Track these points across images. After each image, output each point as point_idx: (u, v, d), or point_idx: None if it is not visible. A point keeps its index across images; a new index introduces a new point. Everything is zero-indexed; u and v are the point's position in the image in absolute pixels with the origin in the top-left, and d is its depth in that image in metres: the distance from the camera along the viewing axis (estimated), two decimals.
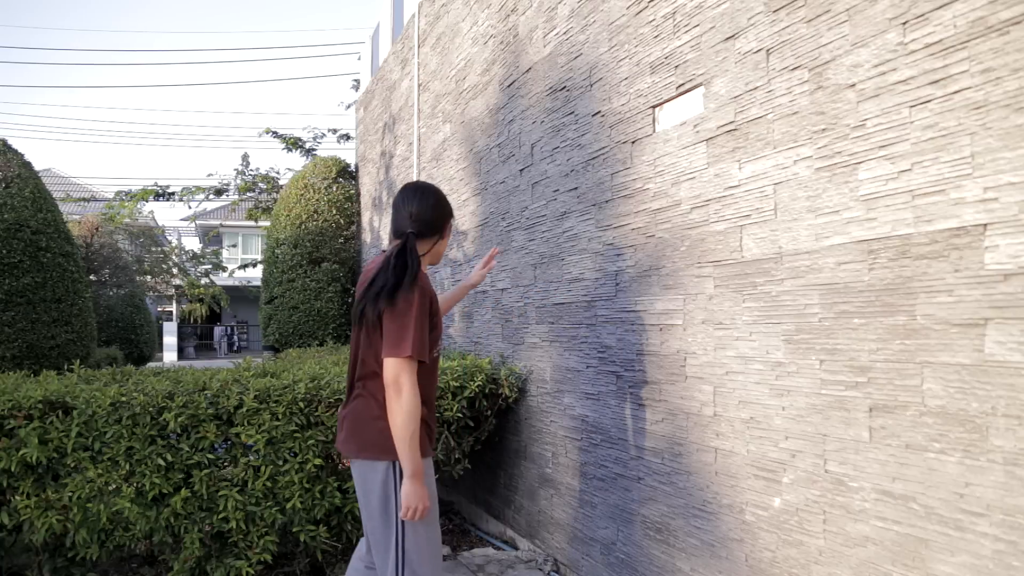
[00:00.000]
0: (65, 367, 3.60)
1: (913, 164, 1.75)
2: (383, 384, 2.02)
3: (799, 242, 2.06)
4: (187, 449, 2.98)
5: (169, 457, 2.95)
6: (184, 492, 2.96)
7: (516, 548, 3.89)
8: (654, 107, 2.73)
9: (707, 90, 2.44)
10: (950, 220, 1.66)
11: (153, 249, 16.44)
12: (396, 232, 2.15)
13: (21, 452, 2.82)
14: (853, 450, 1.89)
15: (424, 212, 2.14)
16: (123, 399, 2.95)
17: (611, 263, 3.00)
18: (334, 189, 8.20)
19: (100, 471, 2.90)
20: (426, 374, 2.12)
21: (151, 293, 17.05)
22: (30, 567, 3.15)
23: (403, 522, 2.04)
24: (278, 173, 11.03)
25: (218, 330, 28.09)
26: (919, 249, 1.73)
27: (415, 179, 5.73)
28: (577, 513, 3.28)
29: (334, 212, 8.06)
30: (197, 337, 28.76)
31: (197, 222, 22.65)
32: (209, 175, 21.95)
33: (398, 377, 1.95)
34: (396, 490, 2.05)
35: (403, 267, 1.99)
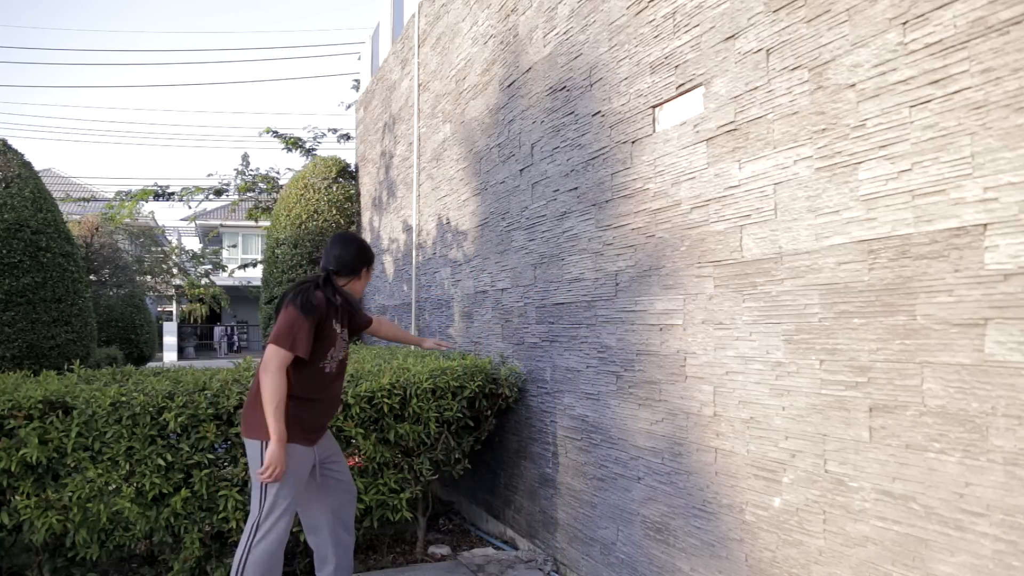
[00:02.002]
0: (65, 367, 3.60)
1: (913, 164, 1.75)
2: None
3: (799, 242, 2.06)
4: (187, 449, 2.98)
5: (169, 457, 2.95)
6: (184, 492, 2.96)
7: (516, 548, 3.89)
8: (654, 107, 2.73)
9: (707, 90, 2.44)
10: (950, 220, 1.66)
11: (153, 249, 16.44)
12: (323, 267, 2.74)
13: (21, 452, 2.82)
14: (853, 450, 1.89)
15: (345, 256, 2.74)
16: (123, 399, 2.95)
17: (611, 263, 3.00)
18: (334, 189, 8.20)
19: (100, 471, 2.90)
20: (310, 377, 2.58)
21: (151, 293, 17.04)
22: (30, 567, 3.15)
23: (265, 490, 2.49)
24: (278, 173, 11.03)
25: (218, 330, 28.06)
26: (919, 249, 1.73)
27: (415, 179, 5.74)
28: (577, 513, 3.28)
29: (334, 212, 8.06)
30: (197, 337, 28.73)
31: (197, 222, 22.64)
32: (209, 175, 21.96)
33: (270, 361, 2.44)
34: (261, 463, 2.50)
35: (309, 289, 2.57)
